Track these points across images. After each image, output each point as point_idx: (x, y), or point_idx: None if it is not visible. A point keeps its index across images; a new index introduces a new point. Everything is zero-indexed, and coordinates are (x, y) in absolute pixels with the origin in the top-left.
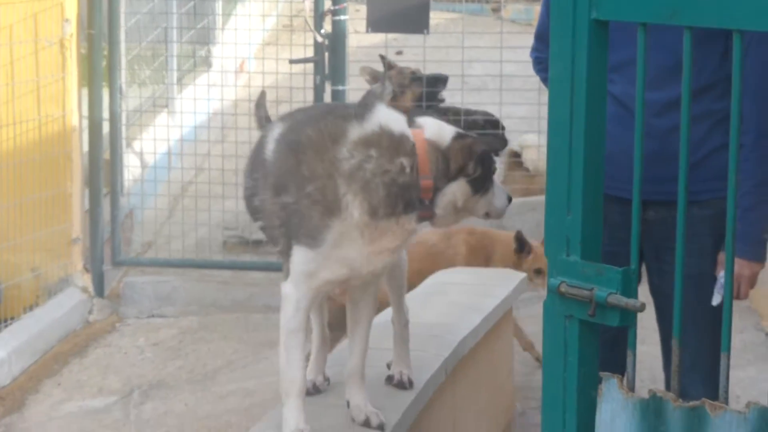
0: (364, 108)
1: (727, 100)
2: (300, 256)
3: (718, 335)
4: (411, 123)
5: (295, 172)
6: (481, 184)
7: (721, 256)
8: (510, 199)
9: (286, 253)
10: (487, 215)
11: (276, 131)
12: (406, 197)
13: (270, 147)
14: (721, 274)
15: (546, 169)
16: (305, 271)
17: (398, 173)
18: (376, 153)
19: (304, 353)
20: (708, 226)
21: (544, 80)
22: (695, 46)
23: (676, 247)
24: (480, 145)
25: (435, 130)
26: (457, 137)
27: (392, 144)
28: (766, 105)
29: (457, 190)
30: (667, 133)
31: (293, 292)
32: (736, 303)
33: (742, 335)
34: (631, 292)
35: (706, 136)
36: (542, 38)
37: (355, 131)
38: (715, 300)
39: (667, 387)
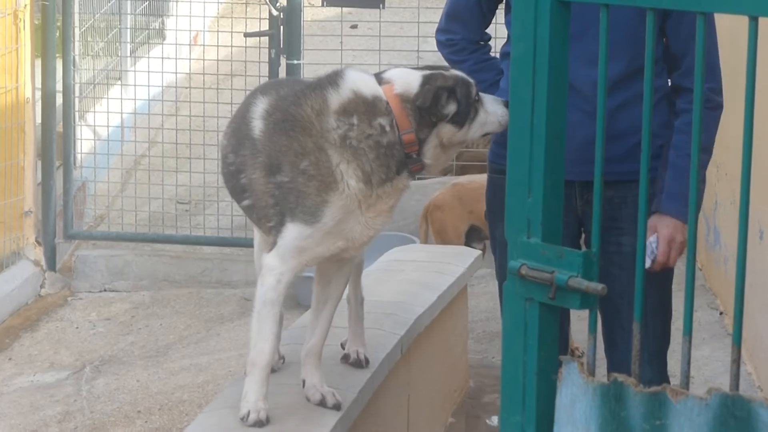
0: (336, 76)
1: (664, 77)
2: (295, 232)
3: (663, 315)
4: (380, 80)
5: (288, 151)
6: (464, 115)
7: (652, 221)
8: (506, 104)
9: (278, 229)
10: (487, 134)
11: (260, 107)
12: (394, 156)
13: (257, 124)
14: (650, 239)
15: (507, 151)
16: (298, 246)
17: (380, 134)
18: (356, 119)
19: (278, 326)
20: (651, 205)
21: (454, 63)
22: (640, 23)
23: (638, 229)
24: (446, 80)
25: (403, 81)
26: (423, 83)
27: (367, 107)
28: (708, 76)
29: (441, 134)
30: (613, 112)
31: (278, 265)
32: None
33: (696, 314)
34: (592, 275)
35: (662, 112)
36: (456, 18)
37: (334, 101)
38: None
39: (610, 369)
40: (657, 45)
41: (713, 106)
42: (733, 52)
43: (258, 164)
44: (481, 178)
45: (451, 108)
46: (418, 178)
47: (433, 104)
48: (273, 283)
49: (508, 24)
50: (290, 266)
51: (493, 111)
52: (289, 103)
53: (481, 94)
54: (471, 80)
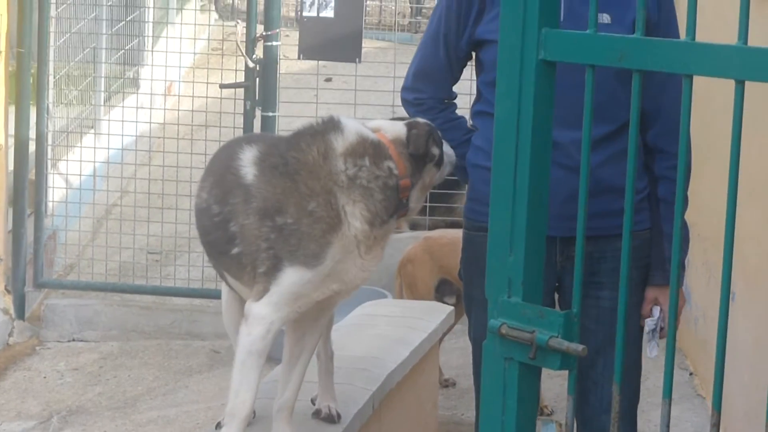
0: (334, 122)
1: (642, 134)
2: (296, 277)
3: (636, 373)
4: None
5: (292, 193)
6: (441, 158)
7: (653, 293)
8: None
9: (269, 275)
10: (444, 176)
11: (249, 155)
12: (395, 199)
13: (249, 171)
14: (650, 319)
15: (489, 208)
16: (296, 292)
17: (387, 177)
18: (367, 161)
19: (260, 378)
20: (634, 258)
21: None
22: (618, 83)
23: (620, 291)
24: (423, 126)
25: (391, 128)
26: (410, 128)
27: (375, 150)
28: (689, 139)
29: (426, 177)
30: (595, 169)
31: (269, 314)
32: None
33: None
34: (572, 335)
35: (638, 170)
36: (424, 77)
37: (340, 144)
38: (652, 352)
39: (579, 426)
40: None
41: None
42: (706, 110)
43: (251, 210)
44: (453, 233)
45: (436, 150)
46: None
47: (426, 148)
48: (262, 333)
49: (481, 83)
50: (282, 314)
51: (448, 152)
52: (286, 149)
53: None
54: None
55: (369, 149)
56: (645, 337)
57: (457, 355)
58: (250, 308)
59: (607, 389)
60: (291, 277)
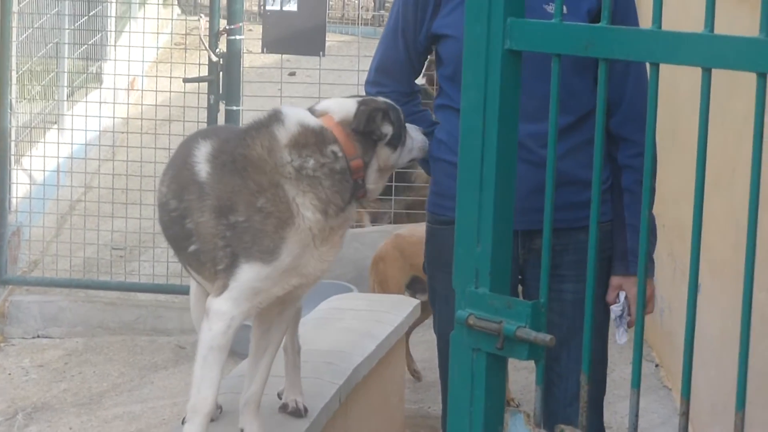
0: (276, 114)
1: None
2: (252, 273)
3: (602, 363)
4: (314, 113)
5: (242, 190)
6: (397, 138)
7: (617, 281)
8: (425, 135)
9: (228, 272)
10: (412, 161)
11: (203, 151)
12: (345, 183)
13: (202, 168)
14: (616, 305)
15: (456, 200)
16: (253, 287)
17: (333, 161)
18: (310, 150)
19: (222, 373)
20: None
21: None
22: (574, 75)
23: (587, 279)
24: (378, 104)
25: (340, 109)
26: (359, 106)
27: (317, 137)
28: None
29: (381, 157)
30: (557, 162)
31: (229, 309)
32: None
33: (631, 365)
34: (540, 325)
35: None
36: (386, 71)
37: (283, 136)
38: (622, 338)
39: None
40: (593, 95)
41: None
42: (671, 100)
43: (206, 207)
44: (422, 230)
45: (387, 129)
46: (356, 225)
47: (369, 125)
48: (223, 328)
49: (440, 77)
50: (242, 310)
51: (416, 137)
52: (234, 145)
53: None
54: (399, 108)
55: (311, 137)
56: (612, 323)
57: (424, 349)
58: (211, 304)
59: (572, 381)
60: (248, 273)
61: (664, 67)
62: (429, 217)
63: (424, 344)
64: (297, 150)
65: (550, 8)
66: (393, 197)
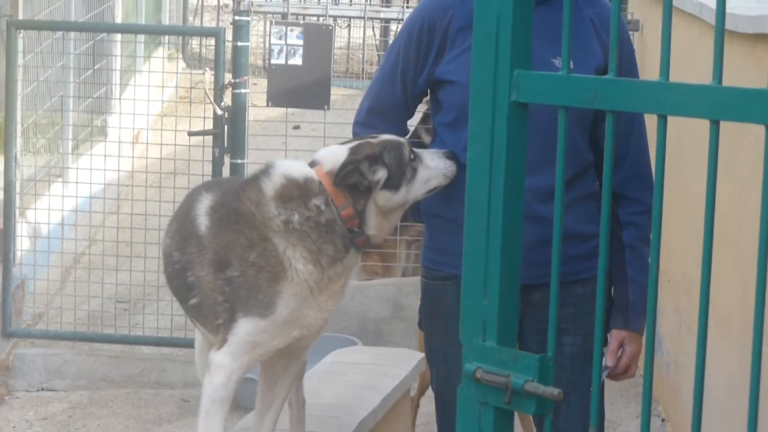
0: (267, 167)
1: (601, 180)
2: (250, 327)
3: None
4: (313, 163)
5: (235, 245)
6: (398, 178)
7: (621, 335)
8: (448, 155)
9: (227, 326)
10: (434, 189)
11: (204, 204)
12: (336, 233)
13: (202, 221)
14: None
15: (463, 251)
16: (251, 341)
17: (317, 215)
18: (294, 204)
19: (225, 426)
20: (593, 304)
21: None
22: (575, 130)
23: (595, 333)
24: (372, 148)
25: (330, 159)
26: (349, 155)
27: (301, 190)
28: (652, 181)
29: (379, 201)
30: (551, 217)
31: (229, 362)
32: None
33: (636, 420)
34: (548, 379)
35: (594, 215)
36: (380, 113)
37: (269, 189)
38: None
39: None
40: (588, 151)
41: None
42: (676, 154)
43: (205, 261)
44: None
45: (381, 174)
46: (370, 278)
47: (350, 178)
48: (223, 381)
49: (438, 124)
50: (242, 363)
51: (434, 166)
52: (230, 199)
53: (419, 151)
54: (402, 140)
55: (294, 190)
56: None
57: (427, 402)
58: (212, 357)
59: None
60: (246, 328)
61: (669, 122)
62: (424, 273)
63: (428, 398)
64: (283, 203)
65: (558, 62)
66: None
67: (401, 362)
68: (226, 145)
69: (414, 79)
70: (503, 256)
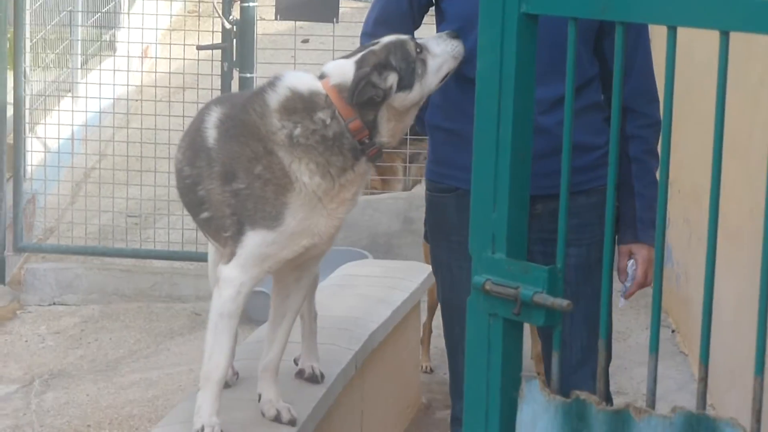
0: (274, 78)
1: (599, 92)
2: (258, 239)
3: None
4: (321, 76)
5: (241, 157)
6: (410, 76)
7: (628, 248)
8: (454, 35)
9: (236, 238)
10: (447, 75)
11: (214, 117)
12: (344, 145)
13: (211, 134)
14: (630, 266)
15: (472, 165)
16: (261, 253)
17: (323, 128)
18: (298, 117)
19: (234, 340)
20: (597, 215)
21: None
22: (580, 44)
23: (605, 242)
24: (377, 56)
25: (338, 72)
26: (357, 69)
27: (306, 103)
28: (657, 94)
29: (394, 104)
30: (554, 128)
31: (238, 276)
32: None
33: (647, 331)
34: (557, 291)
35: (598, 126)
36: (385, 23)
37: (273, 101)
38: (622, 303)
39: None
40: (592, 63)
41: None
42: (686, 66)
43: (214, 174)
44: None
45: (392, 79)
46: (370, 193)
47: (365, 93)
48: (232, 295)
49: None
50: (251, 275)
51: (442, 51)
52: (238, 111)
53: (421, 41)
54: (404, 37)
55: (299, 103)
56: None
57: (439, 315)
58: (221, 271)
59: (576, 348)
60: (254, 240)
61: (679, 34)
62: (428, 185)
63: (439, 310)
64: (286, 116)
65: None
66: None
67: (411, 275)
68: (234, 59)
69: None
70: (512, 169)
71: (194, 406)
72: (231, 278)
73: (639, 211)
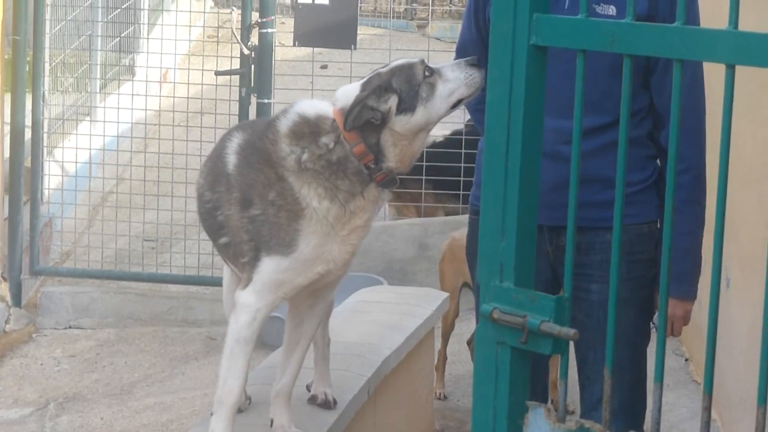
0: (289, 105)
1: (641, 128)
2: (273, 266)
3: (634, 363)
4: (334, 101)
5: (255, 183)
6: (412, 99)
7: (655, 299)
8: (474, 62)
9: (252, 264)
10: (459, 102)
11: (235, 143)
12: (349, 169)
13: (231, 160)
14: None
15: (481, 194)
16: (276, 280)
17: (327, 153)
18: (306, 141)
19: (248, 365)
20: (624, 252)
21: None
22: (612, 77)
23: (611, 273)
24: (380, 78)
25: (344, 96)
26: (360, 92)
27: (312, 128)
28: (704, 141)
29: (395, 128)
30: (581, 158)
31: (254, 302)
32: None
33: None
34: (564, 320)
35: (631, 162)
36: (464, 51)
37: (283, 127)
38: None
39: (585, 417)
40: (638, 96)
41: (700, 170)
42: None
43: (233, 200)
44: None
45: (392, 101)
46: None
47: (360, 119)
48: (248, 321)
49: None
50: (267, 302)
51: (455, 77)
52: (255, 137)
53: (436, 66)
54: (414, 61)
55: (305, 128)
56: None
57: (452, 342)
58: (237, 297)
59: (598, 385)
60: (269, 266)
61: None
62: (470, 209)
63: (453, 337)
64: (295, 141)
65: (601, 9)
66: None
67: (425, 301)
68: (252, 85)
69: (484, 17)
70: (521, 198)
71: (207, 430)
72: (247, 304)
73: (675, 264)
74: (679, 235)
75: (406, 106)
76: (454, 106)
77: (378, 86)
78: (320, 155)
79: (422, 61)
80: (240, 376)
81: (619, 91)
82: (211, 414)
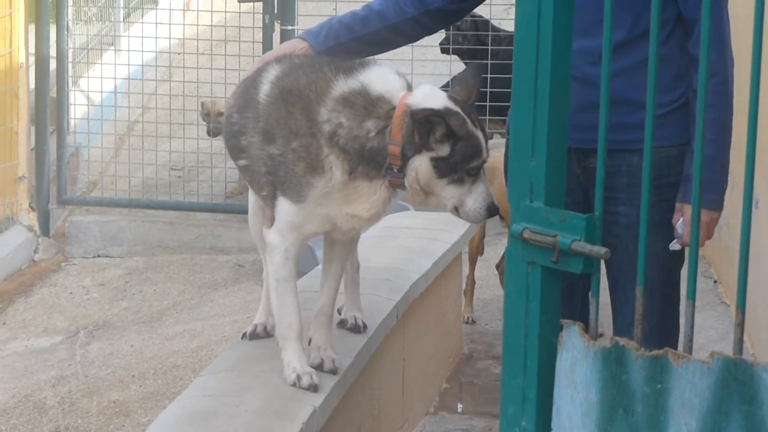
0: (361, 63)
1: (670, 45)
2: (285, 208)
3: (666, 284)
4: (410, 87)
5: (284, 124)
6: (449, 169)
7: (679, 206)
8: (491, 209)
9: (271, 200)
10: (457, 212)
11: (272, 72)
12: (376, 161)
13: (264, 89)
14: (679, 222)
15: (510, 114)
16: (291, 222)
17: (366, 138)
18: (348, 116)
19: (297, 298)
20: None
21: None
22: None
23: (642, 192)
24: (459, 124)
25: (422, 96)
26: (444, 108)
27: (365, 105)
28: (727, 48)
29: (419, 166)
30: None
31: (280, 242)
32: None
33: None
34: (595, 238)
35: (668, 83)
36: None
37: (338, 89)
38: (673, 245)
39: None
40: (664, 8)
41: (731, 83)
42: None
43: (258, 129)
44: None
45: (443, 150)
46: None
47: (426, 127)
48: (282, 261)
49: None
50: (292, 241)
51: (477, 197)
52: (300, 74)
53: (483, 179)
54: (484, 152)
55: (360, 100)
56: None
57: (480, 266)
58: (266, 236)
59: (630, 308)
60: (284, 207)
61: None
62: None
63: (480, 262)
64: (340, 107)
65: None
66: None
67: (452, 227)
68: (276, 12)
69: None
70: (551, 117)
71: (234, 357)
72: (275, 245)
73: (687, 168)
74: (709, 143)
75: (441, 167)
76: (446, 208)
77: (452, 127)
78: (357, 136)
79: (483, 161)
80: (293, 311)
81: (639, 4)
82: (242, 337)
